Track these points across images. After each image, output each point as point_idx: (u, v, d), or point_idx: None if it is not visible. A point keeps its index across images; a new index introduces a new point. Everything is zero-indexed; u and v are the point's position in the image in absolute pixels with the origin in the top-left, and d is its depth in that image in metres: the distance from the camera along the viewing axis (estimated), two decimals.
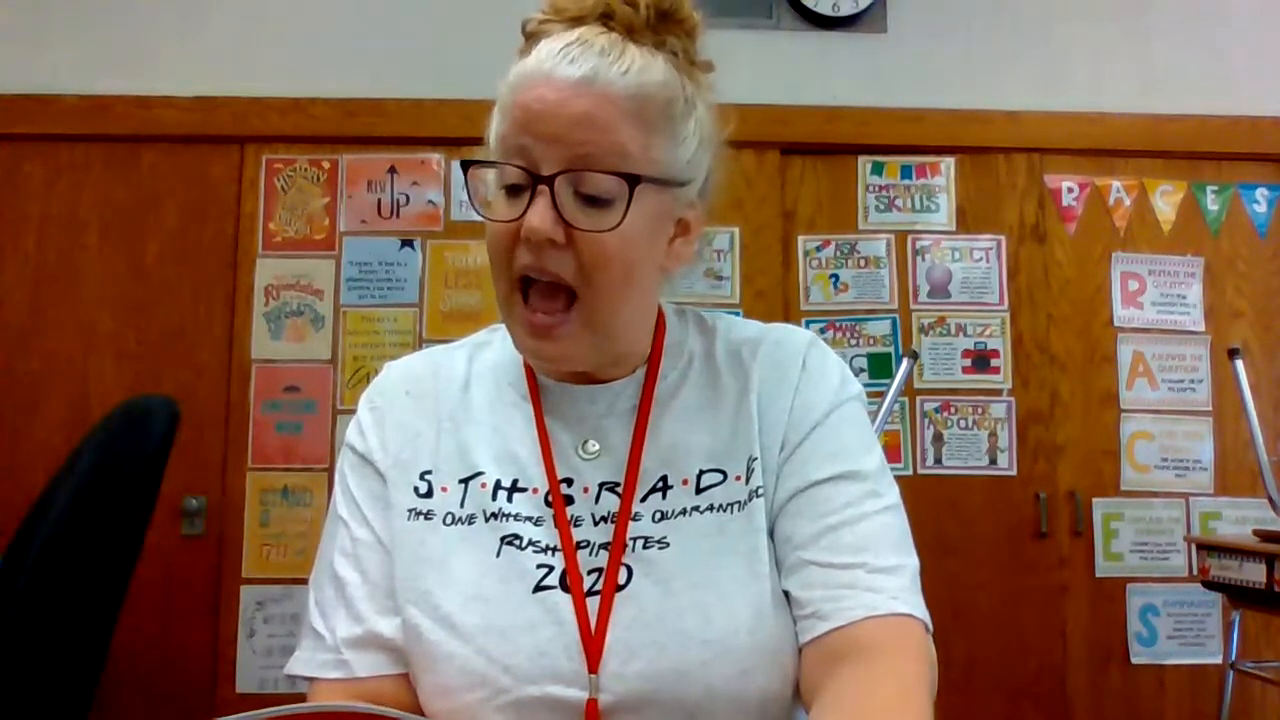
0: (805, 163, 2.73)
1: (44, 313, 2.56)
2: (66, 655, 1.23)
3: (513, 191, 0.72)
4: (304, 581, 2.69)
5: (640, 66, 0.71)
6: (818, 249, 2.71)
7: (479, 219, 2.85)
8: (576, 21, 0.73)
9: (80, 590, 1.25)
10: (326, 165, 2.64)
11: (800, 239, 2.71)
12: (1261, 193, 2.77)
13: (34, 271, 2.58)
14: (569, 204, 0.70)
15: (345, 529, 0.79)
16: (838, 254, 2.71)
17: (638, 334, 0.81)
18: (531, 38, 0.75)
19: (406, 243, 2.62)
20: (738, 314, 2.59)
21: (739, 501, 0.76)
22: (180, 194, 2.62)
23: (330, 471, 2.51)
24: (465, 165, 0.76)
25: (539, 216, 0.69)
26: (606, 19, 0.73)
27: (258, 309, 2.58)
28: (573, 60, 0.70)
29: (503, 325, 0.86)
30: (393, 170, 2.64)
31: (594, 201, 0.70)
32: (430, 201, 2.64)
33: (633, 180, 0.70)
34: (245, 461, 2.52)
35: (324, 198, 2.63)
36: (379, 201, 2.64)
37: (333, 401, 2.55)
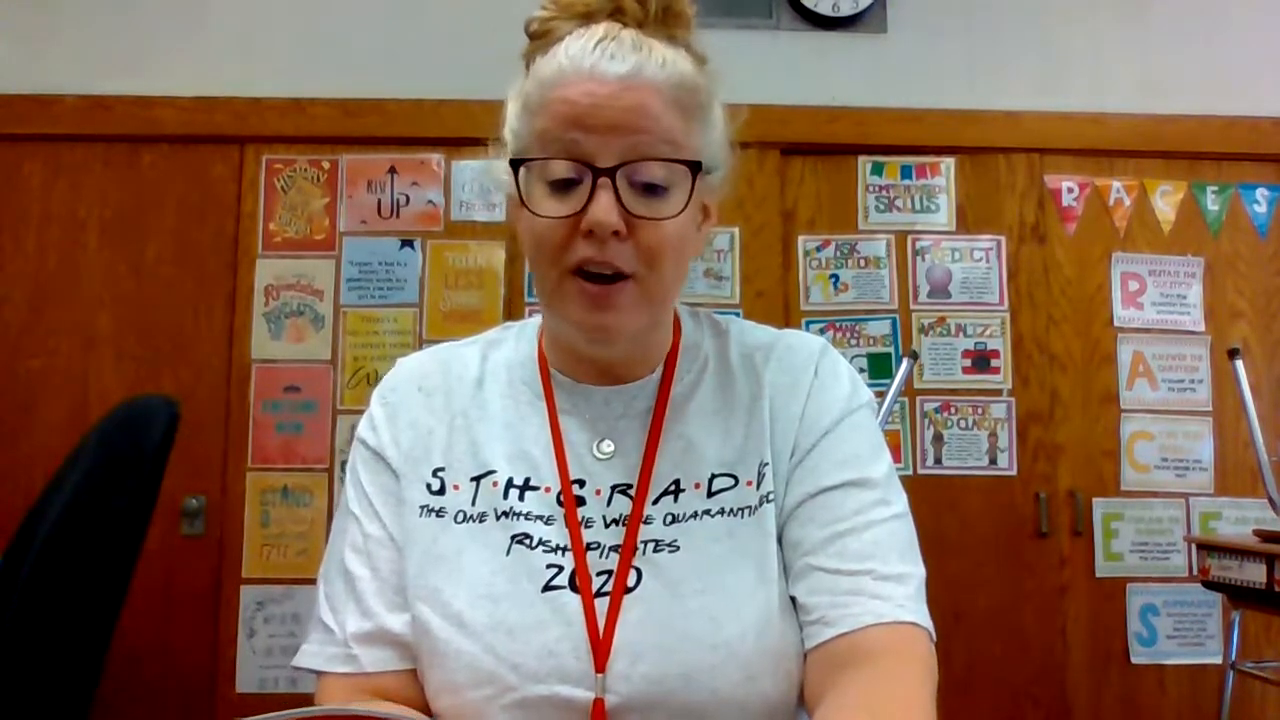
0: (805, 163, 2.73)
1: (44, 313, 2.56)
2: (66, 655, 1.23)
3: (560, 186, 0.72)
4: (304, 582, 2.69)
5: (671, 59, 0.72)
6: (818, 249, 2.71)
7: (479, 219, 2.85)
8: (585, 18, 0.74)
9: (80, 590, 1.24)
10: (326, 165, 2.64)
11: (800, 239, 2.71)
12: (1261, 193, 2.77)
13: (34, 271, 2.58)
14: (628, 194, 0.71)
15: (357, 524, 0.79)
16: (838, 254, 2.71)
17: (669, 319, 0.83)
18: (538, 36, 0.75)
19: (406, 243, 2.62)
20: (738, 314, 2.59)
21: (749, 506, 0.76)
22: (180, 194, 2.62)
23: (330, 472, 2.51)
24: (516, 163, 0.74)
25: (604, 210, 0.69)
26: (616, 14, 0.74)
27: (258, 309, 2.58)
28: (613, 56, 0.70)
29: (516, 324, 0.88)
30: (393, 170, 2.64)
31: (650, 190, 0.71)
32: (430, 201, 2.64)
33: (695, 167, 0.72)
34: (245, 461, 2.52)
35: (324, 198, 2.63)
36: (379, 201, 2.64)
37: (333, 402, 2.55)
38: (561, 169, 0.71)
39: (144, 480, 1.32)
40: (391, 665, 0.75)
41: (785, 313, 2.66)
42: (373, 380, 2.54)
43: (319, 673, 0.77)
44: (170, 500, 2.43)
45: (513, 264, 2.62)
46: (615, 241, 0.71)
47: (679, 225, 0.73)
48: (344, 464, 2.70)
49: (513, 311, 2.60)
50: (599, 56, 0.70)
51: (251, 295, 2.58)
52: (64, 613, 1.23)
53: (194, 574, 2.48)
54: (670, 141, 0.71)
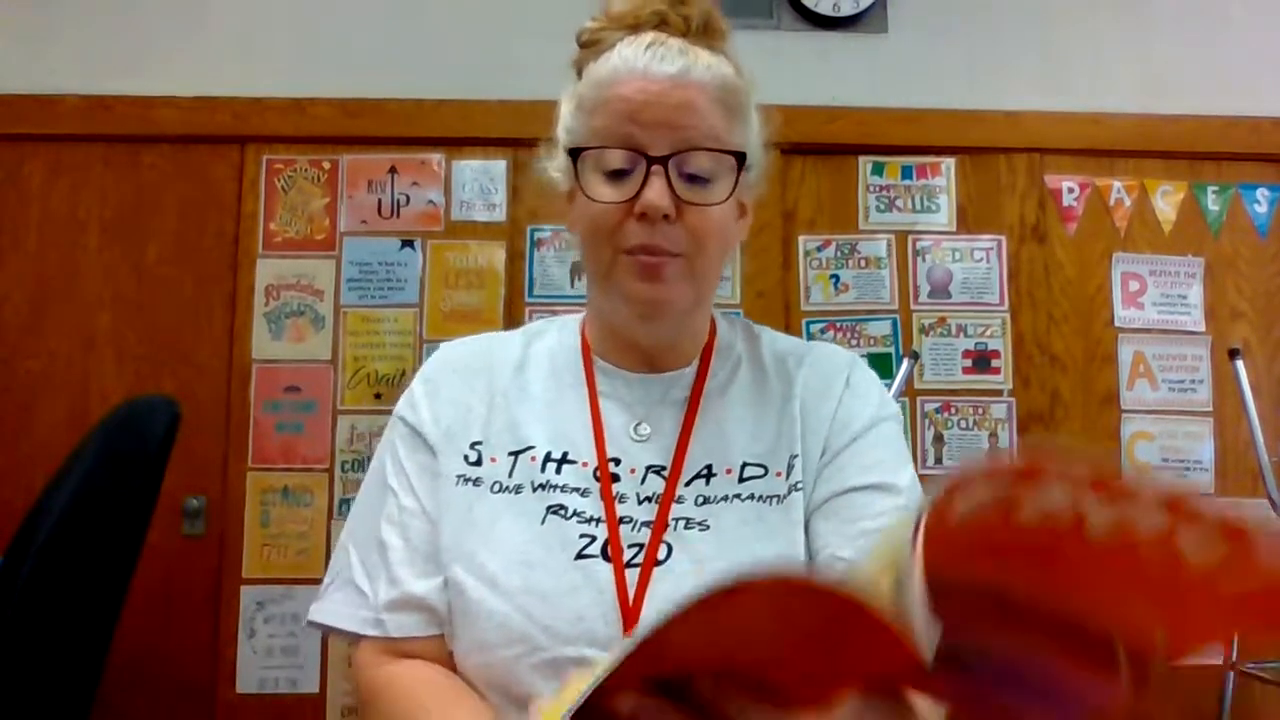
0: (805, 163, 2.73)
1: (44, 313, 2.56)
2: (66, 655, 1.23)
3: (615, 176, 0.78)
4: (304, 581, 2.69)
5: (715, 63, 0.80)
6: (818, 249, 2.71)
7: (479, 219, 2.85)
8: (633, 29, 0.81)
9: (80, 590, 1.25)
10: (326, 165, 2.64)
11: (800, 239, 2.71)
12: (1262, 193, 2.77)
13: (34, 271, 2.58)
14: (677, 182, 0.77)
15: (393, 498, 0.83)
16: (838, 254, 2.71)
17: (707, 311, 0.89)
18: (589, 45, 0.83)
19: (407, 243, 2.62)
20: (738, 314, 2.59)
21: (779, 495, 0.80)
22: (180, 194, 2.62)
23: (331, 472, 2.51)
24: (575, 152, 0.79)
25: (657, 193, 0.76)
26: (661, 26, 0.81)
27: (258, 309, 2.58)
28: (663, 58, 0.77)
29: (557, 318, 0.94)
30: (393, 170, 2.64)
31: (695, 179, 0.78)
32: (430, 201, 2.64)
33: (740, 158, 0.79)
34: (245, 461, 2.52)
35: (324, 198, 2.63)
36: (379, 201, 2.64)
37: (333, 402, 2.55)
38: (617, 159, 0.77)
39: (145, 480, 1.32)
40: (416, 631, 0.79)
41: (785, 313, 2.66)
42: (373, 380, 2.54)
43: (351, 634, 0.81)
44: (170, 500, 2.43)
45: (513, 264, 2.62)
46: (665, 225, 0.77)
47: (723, 212, 0.79)
48: (344, 464, 2.70)
49: (513, 311, 2.60)
50: (651, 59, 0.77)
51: (252, 295, 2.58)
52: (64, 613, 1.23)
53: (194, 574, 2.48)
54: (715, 137, 0.78)
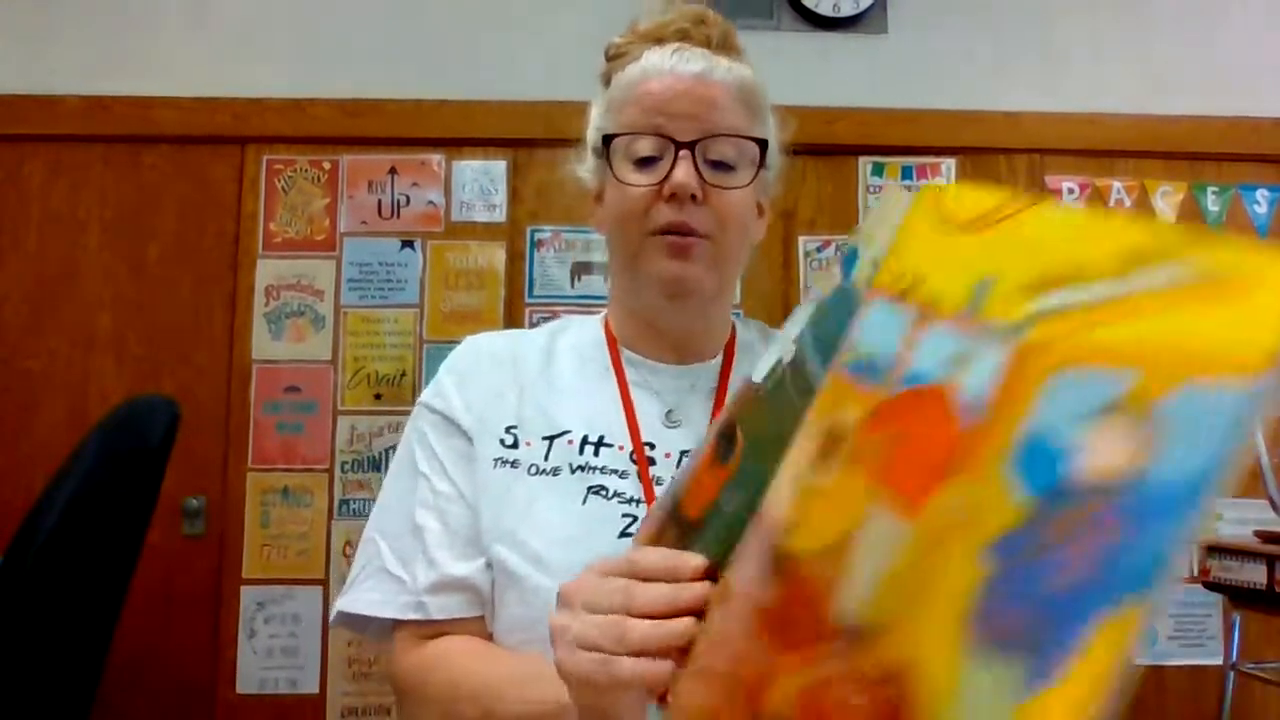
0: (805, 163, 2.73)
1: (44, 313, 2.56)
2: (66, 655, 1.23)
3: (645, 163, 0.83)
4: (304, 582, 2.69)
5: (736, 67, 0.86)
6: (818, 249, 2.71)
7: (479, 219, 2.85)
8: (657, 42, 0.86)
9: (80, 590, 1.25)
10: (327, 166, 2.64)
11: (800, 239, 2.71)
12: (1262, 194, 2.77)
13: (34, 271, 2.58)
14: (703, 167, 0.82)
15: (426, 482, 0.84)
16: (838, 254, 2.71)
17: (729, 305, 0.93)
18: (616, 57, 0.89)
19: (407, 243, 2.62)
20: (738, 315, 2.58)
21: None
22: (180, 194, 2.62)
23: (331, 472, 2.51)
24: (608, 138, 0.84)
25: (685, 173, 0.80)
26: (684, 41, 0.86)
27: (258, 309, 2.58)
28: (688, 60, 0.84)
29: (576, 317, 0.96)
30: (393, 171, 2.64)
31: (720, 165, 0.83)
32: (430, 202, 2.64)
33: (763, 145, 0.85)
34: (245, 462, 2.52)
35: (324, 198, 2.63)
36: (379, 202, 2.64)
37: (333, 402, 2.55)
38: (647, 145, 0.82)
39: (145, 480, 1.32)
40: (459, 612, 0.79)
41: (786, 313, 2.65)
42: (373, 381, 2.54)
43: (387, 621, 0.81)
44: (170, 500, 2.43)
45: (513, 264, 2.62)
46: (692, 205, 0.81)
47: (744, 197, 0.84)
48: (344, 465, 2.69)
49: (513, 312, 2.60)
50: (676, 60, 0.84)
51: (252, 295, 2.58)
52: (64, 613, 1.23)
53: (194, 574, 2.48)
54: (736, 129, 0.83)
